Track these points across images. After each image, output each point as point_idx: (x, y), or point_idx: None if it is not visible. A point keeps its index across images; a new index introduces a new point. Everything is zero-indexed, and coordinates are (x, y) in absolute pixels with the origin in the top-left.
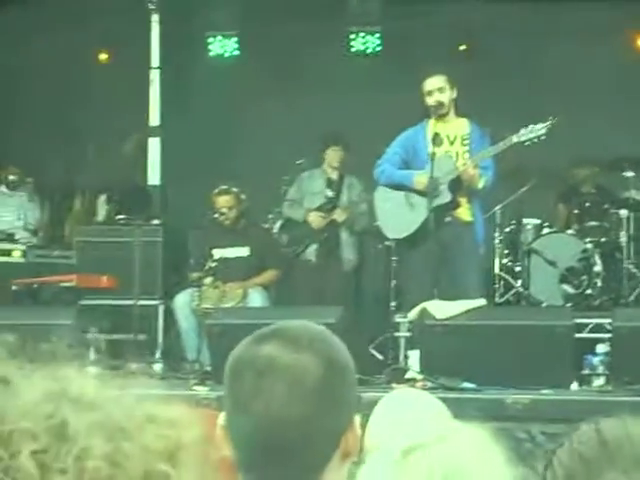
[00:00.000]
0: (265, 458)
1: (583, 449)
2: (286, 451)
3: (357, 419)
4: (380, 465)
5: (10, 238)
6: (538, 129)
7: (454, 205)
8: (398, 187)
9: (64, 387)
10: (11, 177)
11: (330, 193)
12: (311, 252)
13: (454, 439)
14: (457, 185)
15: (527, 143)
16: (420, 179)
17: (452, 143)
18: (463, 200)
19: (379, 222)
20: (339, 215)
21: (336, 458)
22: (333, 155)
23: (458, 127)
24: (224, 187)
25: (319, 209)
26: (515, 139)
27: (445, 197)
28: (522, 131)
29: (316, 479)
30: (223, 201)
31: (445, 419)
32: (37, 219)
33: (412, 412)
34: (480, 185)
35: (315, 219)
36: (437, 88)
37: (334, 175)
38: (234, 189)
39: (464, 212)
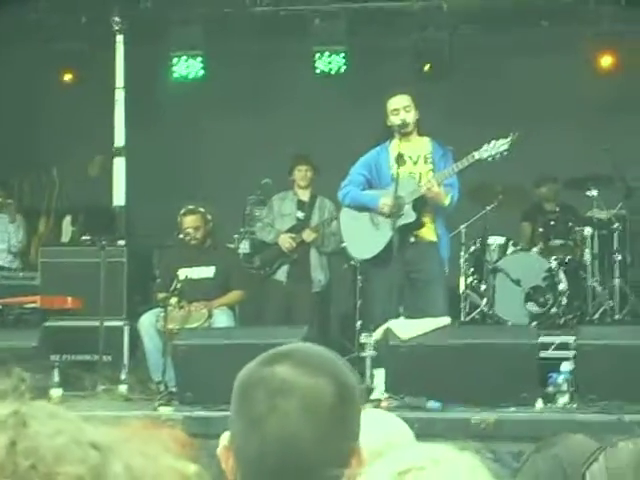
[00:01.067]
0: (275, 479)
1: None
2: (298, 472)
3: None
4: None
5: None
6: (500, 145)
7: (418, 225)
8: (363, 209)
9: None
10: None
11: (300, 214)
12: (282, 273)
13: (449, 463)
14: (421, 205)
15: (490, 159)
16: (386, 201)
17: (415, 163)
18: (427, 220)
19: (345, 243)
20: (307, 235)
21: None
22: (300, 175)
23: (421, 147)
24: (191, 207)
25: (290, 231)
26: (477, 155)
27: (409, 217)
28: (484, 147)
29: None
30: (190, 221)
31: (408, 440)
32: (20, 241)
33: (375, 433)
34: (446, 202)
35: (285, 241)
36: (403, 107)
37: (305, 197)
38: (201, 209)
39: (428, 232)
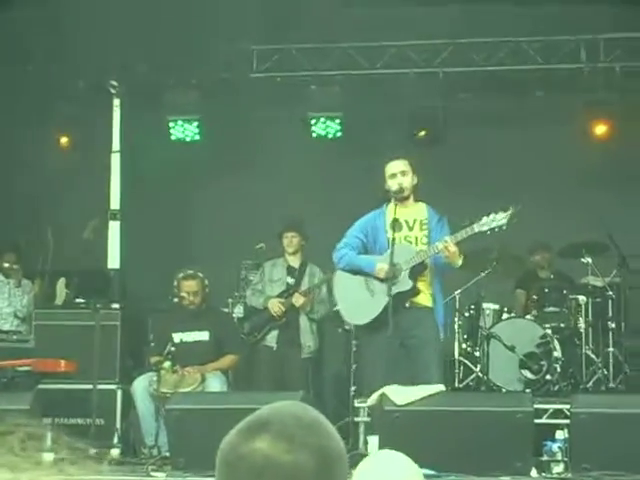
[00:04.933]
0: None
1: None
2: None
3: None
4: None
5: None
6: (499, 219)
7: (414, 293)
8: (358, 272)
9: None
10: (5, 265)
11: (290, 280)
12: (272, 338)
13: None
14: (417, 272)
15: (488, 232)
16: (382, 267)
17: (411, 228)
18: (422, 285)
19: (339, 307)
20: (297, 299)
21: None
22: (287, 242)
23: (417, 212)
24: (190, 272)
25: (279, 296)
26: (476, 229)
27: (405, 285)
28: (484, 220)
29: None
30: (188, 286)
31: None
32: (24, 306)
33: (393, 472)
34: (459, 262)
35: (274, 305)
36: (400, 171)
37: (295, 263)
38: (199, 274)
39: (424, 298)
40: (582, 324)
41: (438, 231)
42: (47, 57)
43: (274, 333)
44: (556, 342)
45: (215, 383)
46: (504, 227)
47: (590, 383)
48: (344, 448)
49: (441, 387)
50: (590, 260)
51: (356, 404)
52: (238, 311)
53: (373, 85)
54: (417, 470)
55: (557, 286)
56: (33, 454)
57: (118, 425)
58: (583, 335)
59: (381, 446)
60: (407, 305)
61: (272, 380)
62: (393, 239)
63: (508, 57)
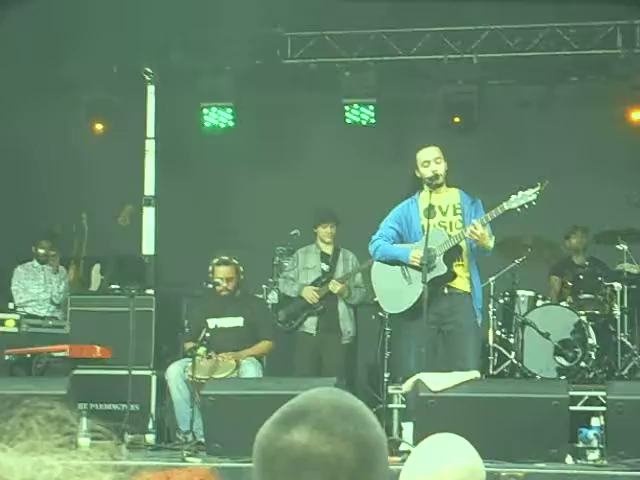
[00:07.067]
0: None
1: None
2: None
3: None
4: None
5: (4, 308)
6: (528, 195)
7: (450, 277)
8: (394, 262)
9: None
10: (40, 251)
11: (325, 267)
12: (311, 325)
13: None
14: (453, 256)
15: (519, 209)
16: (416, 254)
17: (445, 213)
18: (460, 270)
19: (378, 298)
20: (333, 286)
21: None
22: (324, 232)
23: (450, 197)
24: (225, 258)
25: (315, 283)
26: (506, 206)
27: (441, 269)
28: (512, 197)
29: None
30: (223, 272)
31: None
32: (61, 292)
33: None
34: (491, 244)
35: (308, 293)
36: (434, 158)
37: (328, 249)
38: (234, 260)
39: (461, 282)
40: (617, 311)
41: (472, 214)
42: (81, 43)
43: (313, 319)
44: (591, 329)
45: (250, 369)
46: (534, 203)
47: (625, 370)
48: (384, 436)
49: (476, 374)
50: (626, 247)
51: (390, 391)
52: (272, 297)
53: (407, 71)
54: (477, 455)
55: (592, 273)
56: (54, 436)
57: (153, 411)
58: (618, 322)
59: (415, 433)
60: (445, 291)
61: (310, 366)
62: (428, 226)
63: (543, 43)
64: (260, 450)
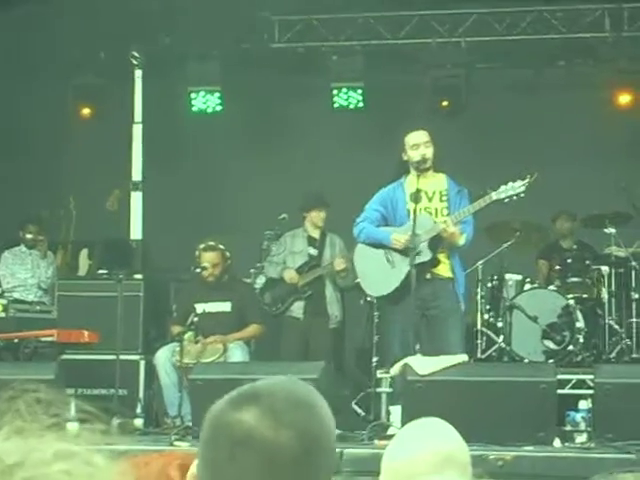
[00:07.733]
0: None
1: None
2: None
3: None
4: None
5: None
6: (517, 187)
7: (434, 263)
8: (377, 245)
9: None
10: (28, 236)
11: (312, 251)
12: (298, 309)
13: None
14: (437, 243)
15: (506, 200)
16: (397, 237)
17: (430, 199)
18: (443, 257)
19: (360, 280)
20: (338, 264)
21: None
22: (318, 217)
23: (437, 183)
24: (211, 243)
25: (302, 267)
26: (495, 196)
27: (425, 255)
28: (501, 188)
29: None
30: (209, 257)
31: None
32: (49, 277)
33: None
34: (460, 243)
35: (288, 274)
36: (424, 142)
37: (315, 234)
38: (220, 246)
39: (444, 268)
40: (605, 294)
41: (457, 202)
42: (68, 28)
43: (300, 304)
44: (579, 312)
45: (237, 353)
46: (522, 195)
47: (613, 353)
48: (334, 435)
49: (464, 357)
50: (613, 230)
51: (378, 375)
52: (260, 282)
53: (395, 55)
54: (460, 439)
55: (580, 256)
56: (41, 418)
57: (141, 395)
58: (606, 306)
59: (403, 416)
60: (428, 277)
61: (298, 351)
62: (415, 210)
63: (530, 26)
64: (209, 421)
